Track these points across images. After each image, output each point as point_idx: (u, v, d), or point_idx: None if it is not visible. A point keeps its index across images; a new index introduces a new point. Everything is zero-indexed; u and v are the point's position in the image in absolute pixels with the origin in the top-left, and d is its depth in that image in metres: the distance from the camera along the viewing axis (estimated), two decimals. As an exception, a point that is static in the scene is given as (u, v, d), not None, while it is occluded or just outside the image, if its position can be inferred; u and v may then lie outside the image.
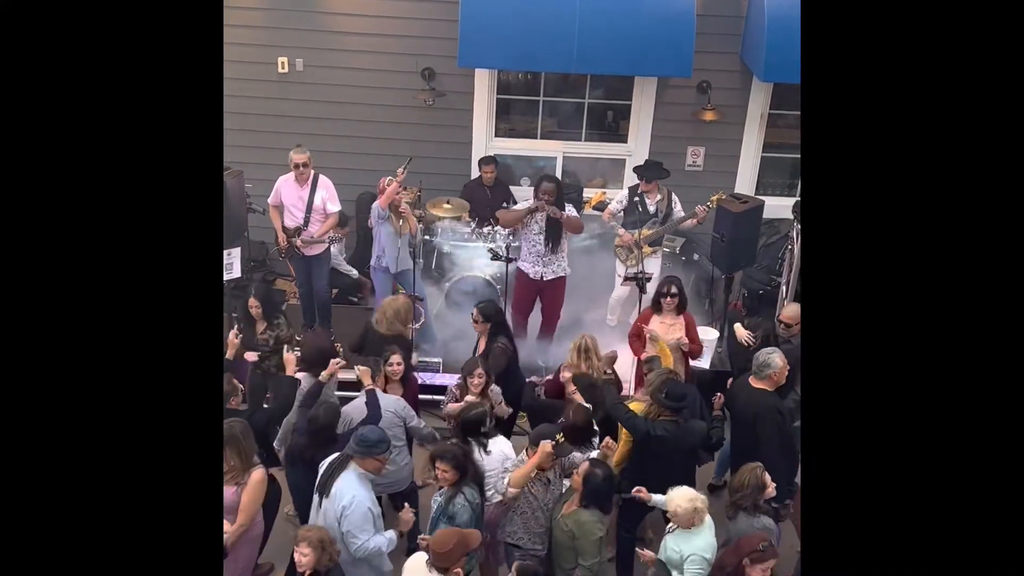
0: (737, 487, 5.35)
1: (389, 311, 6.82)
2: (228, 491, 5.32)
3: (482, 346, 6.88)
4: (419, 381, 6.90)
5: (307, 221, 8.02)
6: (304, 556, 4.77)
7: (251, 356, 6.70)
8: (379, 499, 5.78)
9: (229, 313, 7.86)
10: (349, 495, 5.12)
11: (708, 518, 5.26)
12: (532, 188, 8.26)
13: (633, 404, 6.03)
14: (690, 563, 5.12)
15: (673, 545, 5.22)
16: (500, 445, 5.75)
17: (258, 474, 5.37)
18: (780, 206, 9.04)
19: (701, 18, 8.43)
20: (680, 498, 5.18)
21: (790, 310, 6.85)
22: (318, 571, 4.81)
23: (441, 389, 7.17)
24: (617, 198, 8.48)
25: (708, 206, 8.07)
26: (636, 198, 8.28)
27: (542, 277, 7.96)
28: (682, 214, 8.21)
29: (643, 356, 6.81)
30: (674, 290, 6.97)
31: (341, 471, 5.21)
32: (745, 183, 9.55)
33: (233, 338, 6.48)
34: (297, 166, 7.87)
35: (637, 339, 7.09)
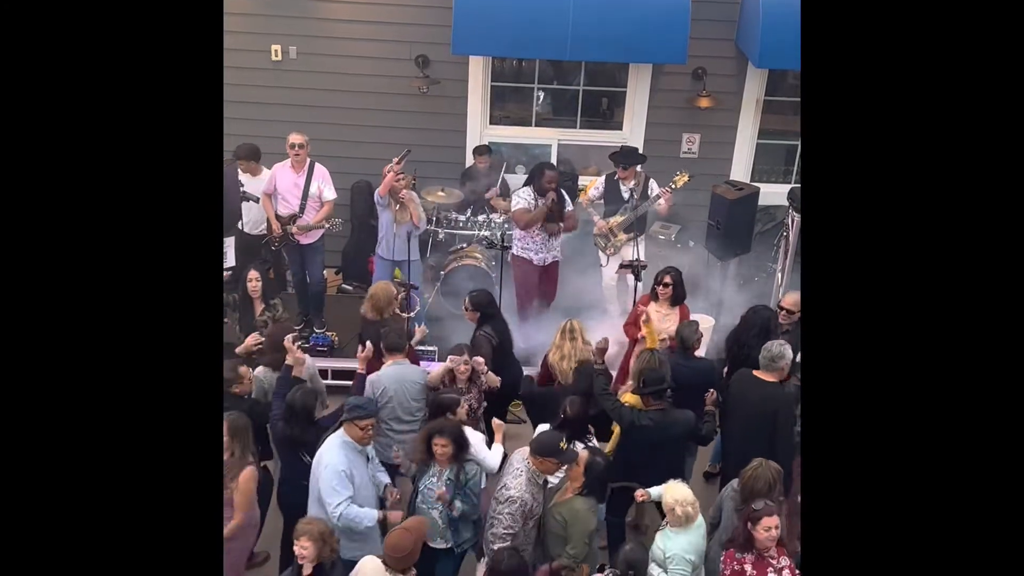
0: (763, 488, 5.09)
1: (379, 297, 6.81)
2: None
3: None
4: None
5: (303, 208, 8.01)
6: (304, 549, 4.73)
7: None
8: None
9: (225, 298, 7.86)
10: (327, 457, 5.21)
11: (700, 519, 5.22)
12: (528, 177, 8.19)
13: (626, 396, 6.02)
14: (673, 563, 5.08)
15: (659, 543, 5.19)
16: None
17: (248, 471, 5.36)
18: (775, 193, 9.03)
19: (696, 4, 8.39)
20: (676, 496, 5.15)
21: (792, 297, 6.82)
22: (321, 564, 4.79)
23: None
24: (594, 184, 8.48)
25: (671, 187, 8.06)
26: (618, 182, 8.27)
27: (544, 262, 8.07)
28: (657, 194, 8.21)
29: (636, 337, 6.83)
30: (667, 280, 6.96)
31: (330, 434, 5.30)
32: (740, 170, 9.53)
33: (252, 343, 6.41)
34: (293, 146, 7.84)
35: (633, 325, 7.10)
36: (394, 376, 6.07)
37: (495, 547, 5.21)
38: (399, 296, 7.04)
